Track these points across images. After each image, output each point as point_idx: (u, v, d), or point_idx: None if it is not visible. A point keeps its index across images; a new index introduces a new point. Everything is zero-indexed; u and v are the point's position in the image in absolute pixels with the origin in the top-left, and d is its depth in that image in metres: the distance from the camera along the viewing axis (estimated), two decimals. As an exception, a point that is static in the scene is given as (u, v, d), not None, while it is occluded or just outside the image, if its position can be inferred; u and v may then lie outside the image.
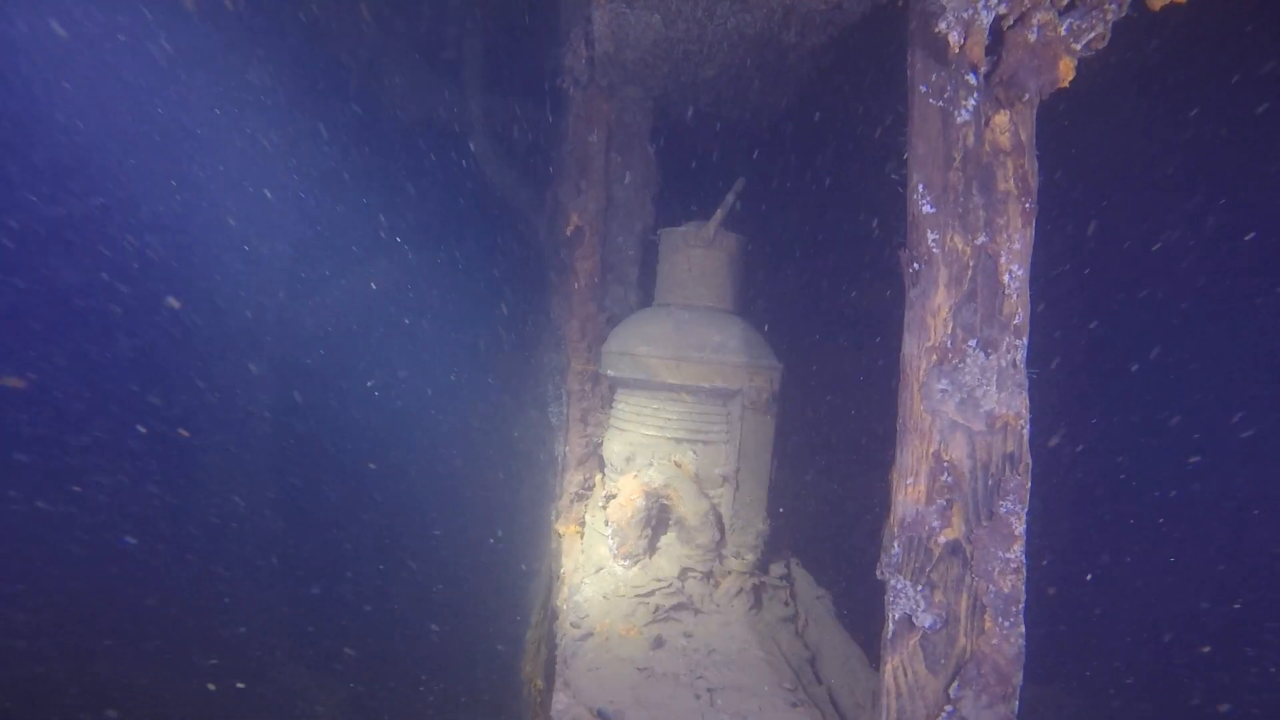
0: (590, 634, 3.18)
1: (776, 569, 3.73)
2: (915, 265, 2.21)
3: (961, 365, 2.19)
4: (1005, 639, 2.20)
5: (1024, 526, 2.19)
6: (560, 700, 2.61)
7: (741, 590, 3.52)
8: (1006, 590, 2.19)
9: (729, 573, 3.58)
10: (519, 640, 5.31)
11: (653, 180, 4.57)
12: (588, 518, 4.19)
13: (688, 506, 3.53)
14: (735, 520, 3.68)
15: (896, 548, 2.22)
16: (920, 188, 2.19)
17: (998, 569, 2.19)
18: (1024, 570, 2.20)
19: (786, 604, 3.59)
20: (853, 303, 5.52)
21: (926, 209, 2.19)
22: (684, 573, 3.53)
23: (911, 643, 2.23)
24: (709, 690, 2.78)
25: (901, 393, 2.25)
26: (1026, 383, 2.18)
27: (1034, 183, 2.17)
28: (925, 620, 2.21)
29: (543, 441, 5.37)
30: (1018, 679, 2.20)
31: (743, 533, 3.67)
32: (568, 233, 4.33)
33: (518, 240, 5.94)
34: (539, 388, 5.40)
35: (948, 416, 2.20)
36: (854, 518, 5.09)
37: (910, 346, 2.22)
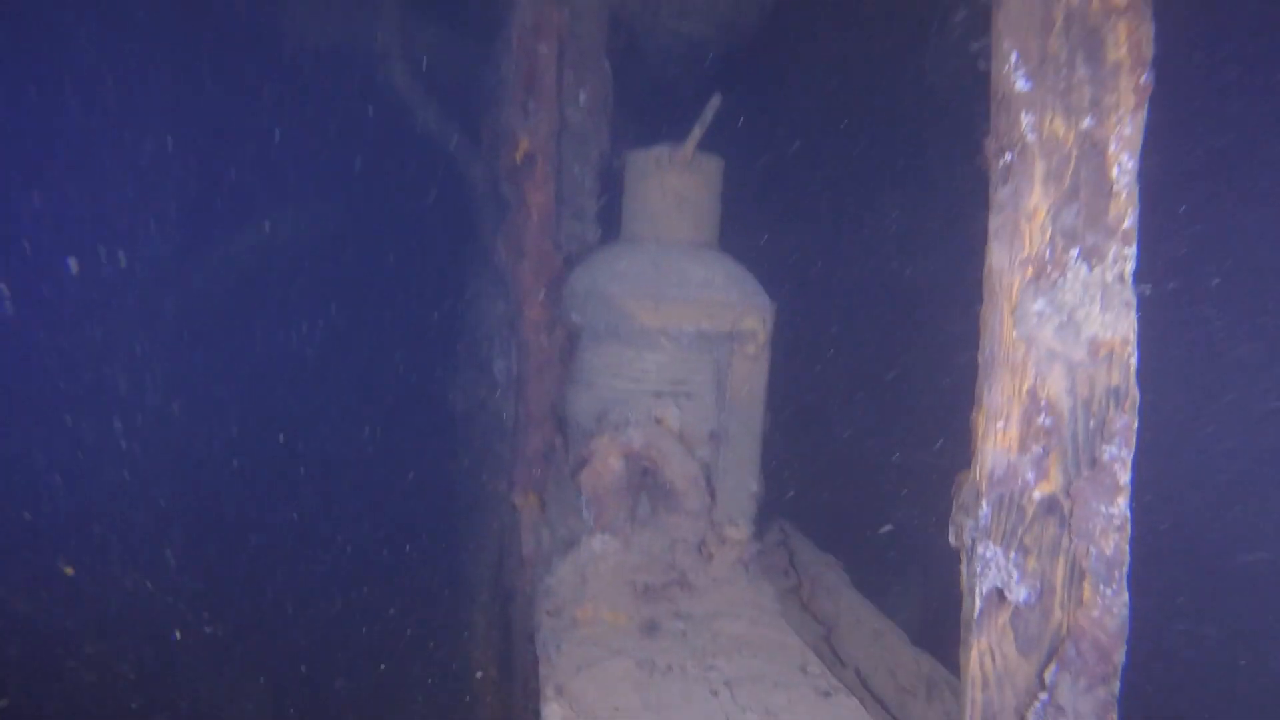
0: (574, 622, 2.69)
1: (771, 534, 3.32)
2: (1007, 156, 1.76)
3: (1061, 281, 1.77)
4: (1107, 610, 1.83)
5: (1130, 475, 1.81)
6: (554, 714, 2.11)
7: (739, 560, 3.09)
8: (1109, 552, 1.82)
9: (723, 542, 3.14)
10: (463, 624, 4.77)
11: (609, 102, 4.01)
12: (550, 486, 3.67)
13: (675, 469, 3.06)
14: (725, 481, 3.24)
15: (985, 507, 1.81)
16: (1014, 57, 1.74)
17: (1099, 527, 1.81)
18: (1129, 527, 1.83)
19: (787, 573, 3.19)
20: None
21: (1021, 85, 1.74)
22: (673, 545, 3.07)
23: (1001, 621, 1.83)
24: (725, 684, 2.34)
25: (988, 317, 1.83)
26: (1135, 301, 1.79)
27: (1149, 51, 1.75)
28: (1020, 593, 1.81)
29: (483, 403, 4.79)
30: (1120, 656, 1.84)
31: (734, 496, 3.24)
32: (516, 160, 3.73)
33: (449, 179, 5.24)
34: (478, 343, 4.79)
35: (1045, 344, 1.78)
36: (863, 472, 4.74)
37: (999, 259, 1.79)
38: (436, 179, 5.59)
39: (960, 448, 1.96)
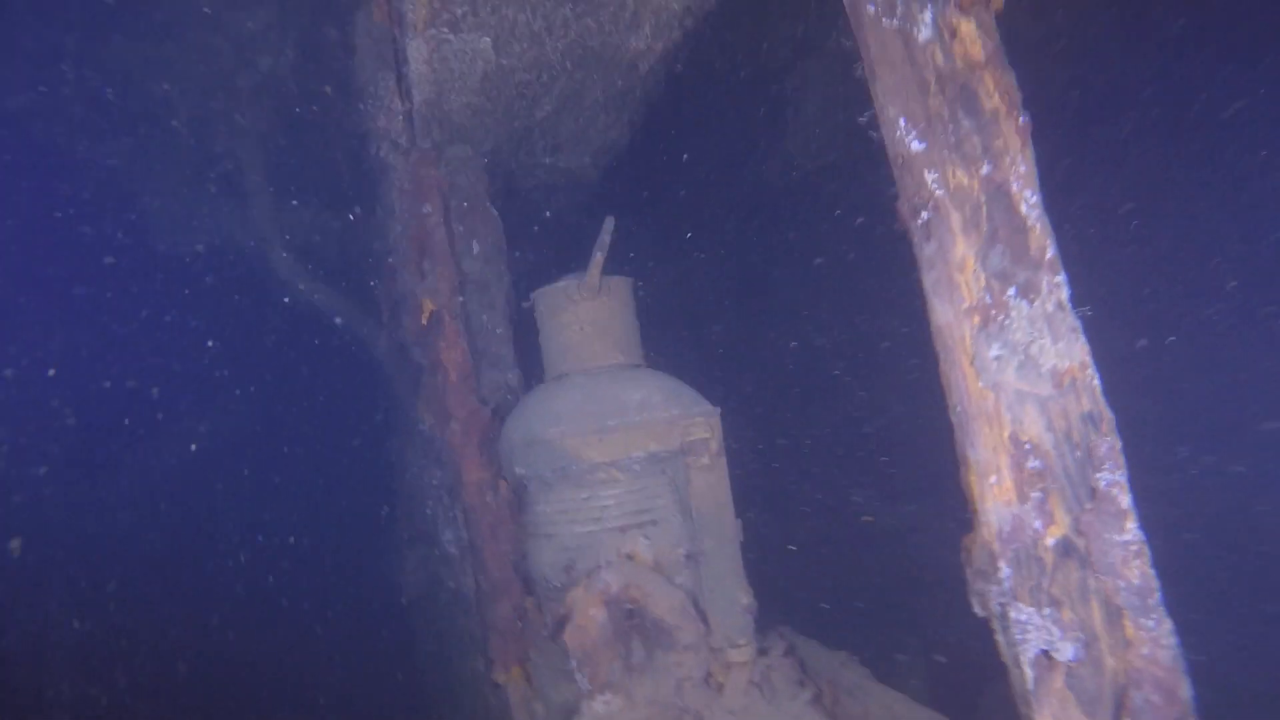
0: (596, 809, 2.39)
1: (775, 646, 3.12)
2: (923, 214, 1.78)
3: (1008, 321, 1.76)
4: (1156, 644, 1.73)
5: (1131, 498, 1.76)
6: None
7: (750, 682, 2.86)
8: (1136, 581, 1.74)
9: (729, 667, 2.92)
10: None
11: (503, 246, 3.99)
12: (532, 654, 3.37)
13: (661, 604, 2.86)
14: (715, 602, 3.04)
15: (1005, 568, 1.71)
16: (902, 123, 1.79)
17: (1119, 558, 1.74)
18: (1147, 551, 1.76)
19: (802, 683, 2.97)
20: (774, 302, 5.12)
21: (915, 145, 1.78)
22: (678, 685, 2.82)
23: (1057, 685, 1.70)
24: (783, 833, 2.09)
25: (948, 375, 1.79)
26: (1080, 325, 1.79)
27: (1017, 95, 1.83)
28: (1067, 651, 1.69)
29: (438, 579, 4.45)
30: (1185, 689, 1.73)
31: (727, 614, 3.04)
32: (423, 323, 3.62)
33: (353, 356, 5.07)
34: (420, 518, 4.51)
35: (1011, 387, 1.75)
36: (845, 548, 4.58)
37: (943, 314, 1.77)
38: (340, 359, 5.41)
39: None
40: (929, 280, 1.78)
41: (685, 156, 4.68)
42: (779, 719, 2.73)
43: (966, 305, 1.75)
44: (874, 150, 1.92)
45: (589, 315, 3.32)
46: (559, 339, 3.37)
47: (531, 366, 3.87)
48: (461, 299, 3.74)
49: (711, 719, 2.71)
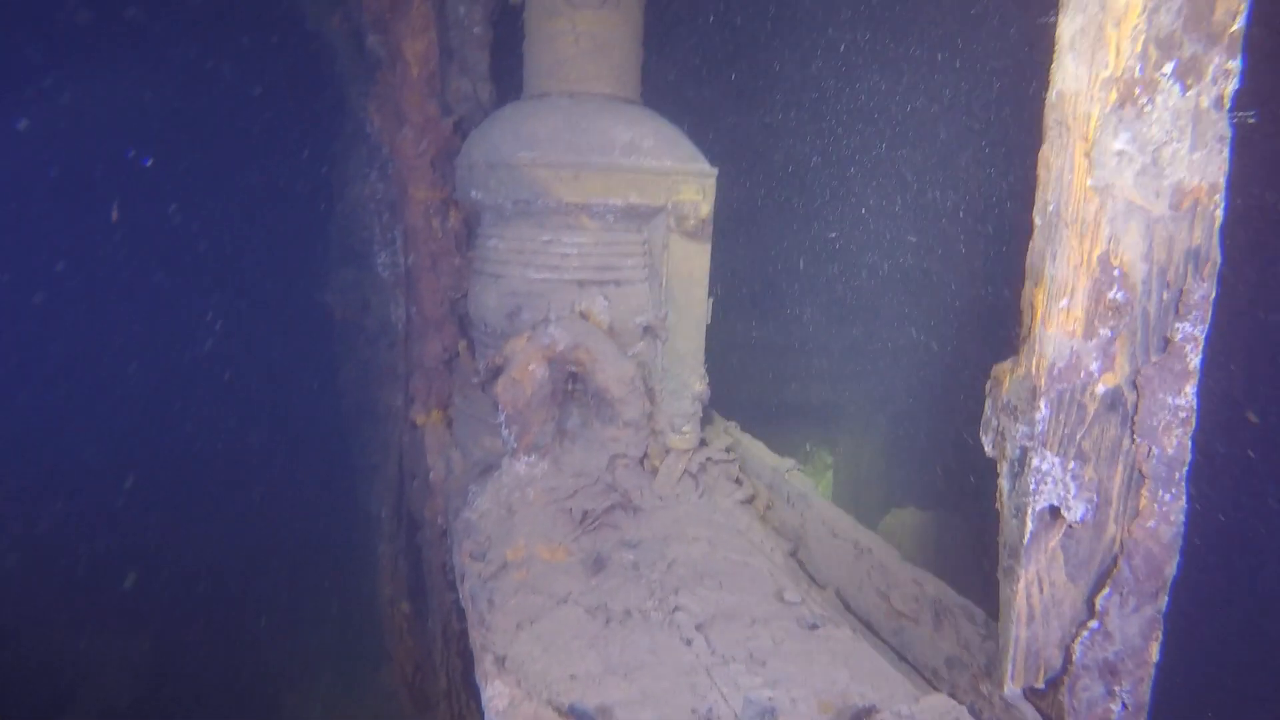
0: (504, 566, 2.23)
1: (718, 439, 2.93)
2: (1095, -71, 1.27)
3: (1149, 108, 1.34)
4: (1164, 518, 1.52)
5: (1201, 359, 1.46)
6: (499, 694, 1.67)
7: (686, 472, 2.69)
8: (1171, 451, 1.49)
9: (667, 452, 2.72)
10: (366, 556, 4.26)
11: (497, -78, 3.22)
12: (456, 399, 3.13)
13: (608, 372, 2.58)
14: (667, 383, 2.80)
15: (1044, 408, 1.42)
16: None
17: (1163, 422, 1.47)
18: (1194, 420, 1.50)
19: (738, 481, 2.82)
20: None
21: None
22: (611, 461, 2.62)
23: (1051, 544, 1.49)
24: (697, 628, 1.96)
25: (1051, 161, 1.38)
26: (1230, 134, 1.38)
27: None
28: (1076, 511, 1.47)
29: (366, 305, 4.10)
30: (1171, 569, 1.55)
31: (676, 398, 2.81)
32: (384, -4, 2.95)
33: (295, 36, 4.28)
34: (354, 234, 4.05)
35: (1123, 195, 1.37)
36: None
37: (1073, 79, 1.33)
38: (279, 37, 4.61)
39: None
40: (1070, 28, 1.31)
41: None
42: (709, 514, 2.58)
43: (1109, 74, 1.31)
44: None
45: (588, 26, 2.72)
46: (547, 50, 2.78)
47: (508, 85, 3.28)
48: (436, -23, 3.05)
49: (639, 501, 2.54)
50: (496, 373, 2.63)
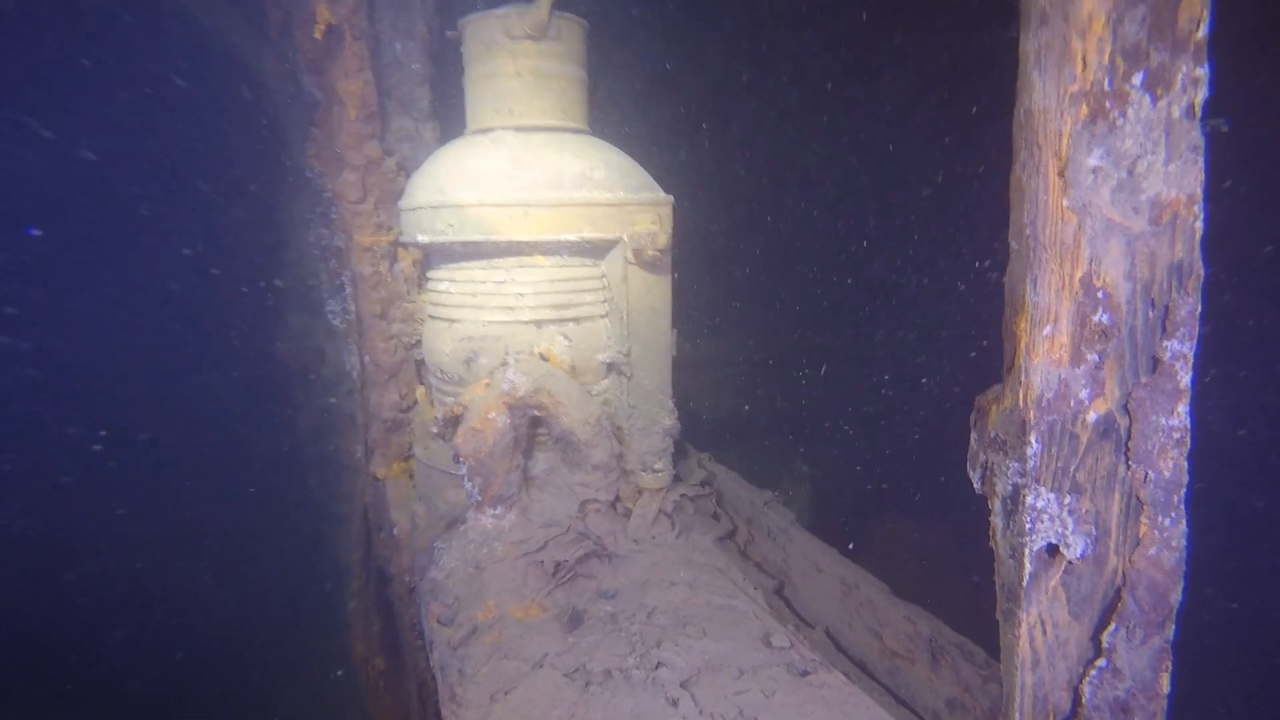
0: (475, 630, 2.09)
1: (693, 474, 2.83)
2: (1052, -62, 1.21)
3: (1121, 121, 1.27)
4: (1165, 544, 1.44)
5: (1191, 376, 1.40)
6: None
7: (661, 513, 2.58)
8: (1168, 474, 1.42)
9: (640, 492, 2.61)
10: (338, 616, 4.07)
11: (429, -44, 3.13)
12: (417, 449, 2.98)
13: (573, 415, 2.46)
14: (635, 420, 2.69)
15: (1035, 443, 1.34)
16: None
17: (1158, 445, 1.40)
18: (1190, 440, 1.43)
19: (716, 516, 2.72)
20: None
21: None
22: (582, 507, 2.50)
23: (1052, 583, 1.41)
24: (682, 685, 1.84)
25: (1025, 183, 1.31)
26: (1203, 143, 1.32)
27: None
28: (1076, 548, 1.38)
29: (322, 354, 3.93)
30: (1177, 595, 1.48)
31: (644, 436, 2.70)
32: (317, 37, 2.82)
33: (231, 76, 4.12)
34: (302, 281, 3.89)
35: (1101, 214, 1.30)
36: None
37: (1042, 96, 1.26)
38: (217, 78, 4.44)
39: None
40: (1034, 43, 1.25)
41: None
42: (687, 554, 2.47)
43: (1077, 88, 1.24)
44: None
45: (530, 59, 2.62)
46: (488, 85, 2.68)
47: (451, 121, 3.17)
48: (369, 16, 2.94)
49: (614, 547, 2.42)
50: (455, 422, 2.50)
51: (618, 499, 2.58)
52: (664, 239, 2.56)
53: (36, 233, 4.95)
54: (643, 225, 2.56)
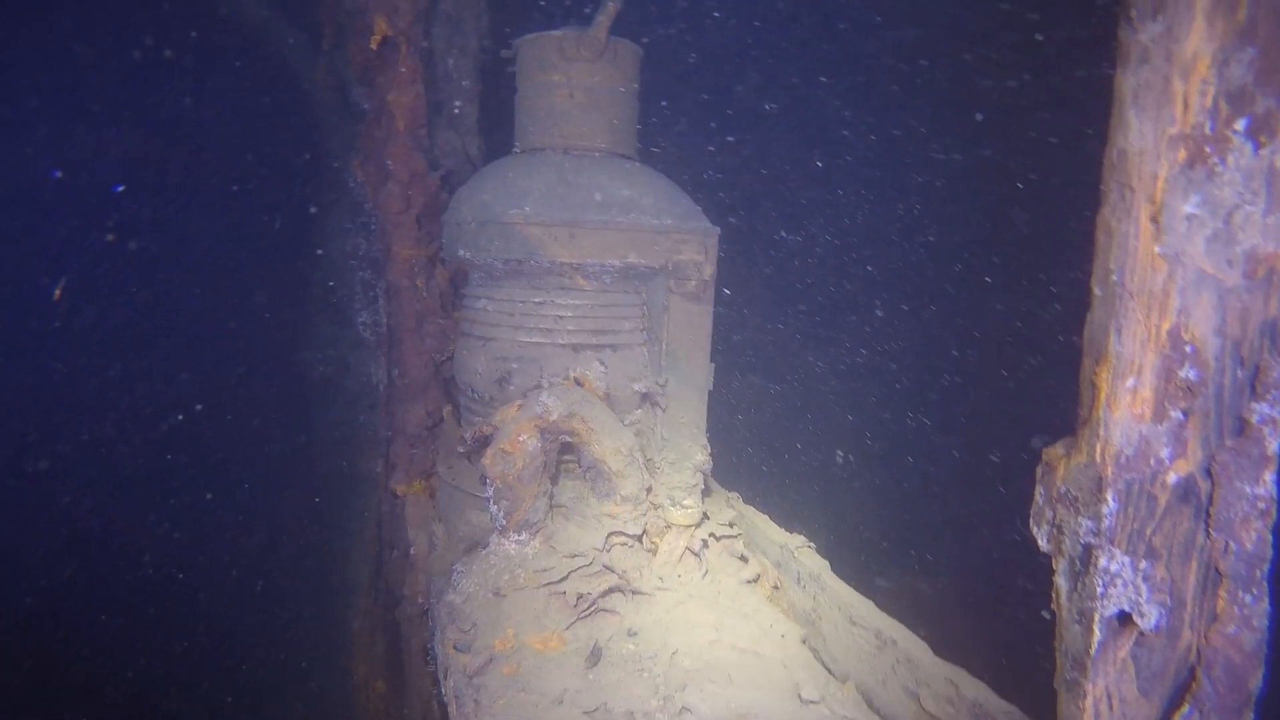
0: (491, 658, 2.01)
1: (720, 512, 2.74)
2: (1158, -24, 1.16)
3: (1221, 168, 1.21)
4: (1245, 623, 1.34)
5: (1280, 441, 1.31)
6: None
7: (687, 550, 2.49)
8: (1250, 546, 1.33)
9: (668, 528, 2.53)
10: (342, 632, 3.98)
11: (488, -24, 3.15)
12: (440, 469, 2.92)
13: (605, 444, 2.39)
14: (666, 453, 2.61)
15: (1112, 502, 1.25)
16: None
17: (1240, 514, 1.31)
18: (1276, 510, 1.34)
19: (743, 559, 2.62)
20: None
21: None
22: (608, 539, 2.42)
23: (1121, 654, 1.31)
24: (708, 734, 1.75)
25: (1112, 226, 1.24)
26: (1306, 196, 1.25)
27: None
28: (1150, 617, 1.29)
29: (346, 365, 3.90)
30: (1256, 681, 1.37)
31: (676, 470, 2.62)
32: (372, 48, 2.83)
33: (279, 84, 4.16)
34: (335, 291, 3.88)
35: (1194, 264, 1.23)
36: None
37: (1139, 137, 1.20)
38: (263, 85, 4.50)
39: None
40: (1133, 81, 1.19)
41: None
42: (711, 595, 2.38)
43: (1176, 130, 1.18)
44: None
45: (584, 80, 2.61)
46: (540, 104, 2.67)
47: (497, 139, 3.17)
48: (426, 30, 2.95)
49: (638, 583, 2.33)
50: (484, 443, 2.44)
51: (644, 533, 2.50)
52: (709, 269, 2.51)
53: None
54: (688, 254, 2.52)
